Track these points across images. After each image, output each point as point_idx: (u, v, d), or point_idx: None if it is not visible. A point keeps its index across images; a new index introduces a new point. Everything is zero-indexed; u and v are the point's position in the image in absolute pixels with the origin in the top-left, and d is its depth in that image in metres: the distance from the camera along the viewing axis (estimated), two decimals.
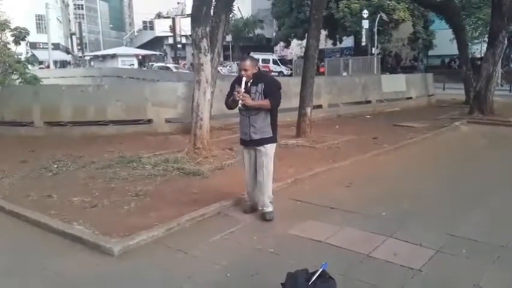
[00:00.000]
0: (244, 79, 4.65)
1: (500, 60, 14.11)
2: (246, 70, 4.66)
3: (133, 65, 47.62)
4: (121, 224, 4.67)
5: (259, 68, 4.93)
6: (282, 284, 2.99)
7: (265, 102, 4.65)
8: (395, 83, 16.07)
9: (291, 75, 33.18)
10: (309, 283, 2.91)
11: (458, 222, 4.76)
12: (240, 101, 4.57)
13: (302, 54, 32.44)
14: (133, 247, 4.16)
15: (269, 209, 4.87)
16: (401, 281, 3.53)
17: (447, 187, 6.18)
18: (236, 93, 4.60)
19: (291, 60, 40.46)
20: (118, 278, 3.66)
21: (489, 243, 4.22)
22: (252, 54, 44.73)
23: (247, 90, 4.65)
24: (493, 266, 3.79)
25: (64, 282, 3.62)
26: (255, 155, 4.85)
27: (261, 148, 4.77)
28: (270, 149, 4.81)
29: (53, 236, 4.52)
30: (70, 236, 4.41)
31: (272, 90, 4.72)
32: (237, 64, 41.73)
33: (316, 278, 2.97)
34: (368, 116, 13.58)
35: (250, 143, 4.81)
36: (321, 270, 3.05)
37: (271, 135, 4.79)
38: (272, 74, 32.35)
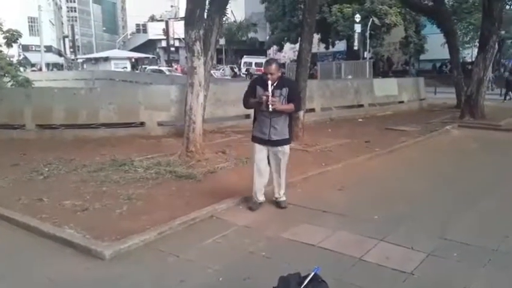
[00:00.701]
0: (270, 82, 4.81)
1: (491, 65, 14.25)
2: (271, 74, 4.83)
3: (126, 67, 47.42)
4: (113, 227, 4.64)
5: (282, 72, 5.15)
6: (274, 287, 2.98)
7: (291, 107, 4.95)
8: (387, 87, 16.16)
9: None
10: (301, 287, 2.91)
11: (449, 226, 4.78)
12: (271, 106, 4.75)
13: (295, 57, 32.56)
14: (124, 251, 4.13)
15: (283, 198, 5.34)
16: (392, 285, 3.54)
17: (439, 190, 6.22)
18: (264, 96, 4.78)
19: (284, 64, 40.50)
20: (109, 282, 3.64)
21: (480, 246, 4.24)
22: (245, 57, 44.81)
23: (272, 94, 4.81)
24: (484, 269, 3.81)
25: (54, 287, 3.58)
26: (267, 151, 5.13)
27: (279, 148, 5.08)
28: (288, 148, 5.17)
29: (43, 239, 4.48)
30: (60, 240, 4.37)
31: (295, 94, 5.10)
32: (231, 68, 41.86)
33: (308, 281, 2.96)
34: (360, 120, 13.64)
35: (268, 143, 5.06)
36: (313, 274, 3.04)
37: (288, 136, 5.11)
38: None
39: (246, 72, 39.52)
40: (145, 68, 43.48)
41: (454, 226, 4.78)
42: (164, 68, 39.91)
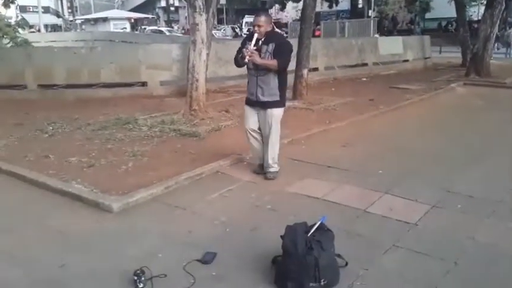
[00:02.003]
0: (255, 35, 4.43)
1: (498, 23, 13.94)
2: (259, 26, 4.43)
3: (126, 28, 46.57)
4: (119, 182, 4.68)
5: (273, 26, 4.70)
6: (281, 236, 3.03)
7: (273, 62, 4.43)
8: (392, 46, 15.91)
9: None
10: (308, 235, 2.96)
11: (454, 179, 4.81)
12: (247, 58, 4.37)
13: (297, 17, 31.81)
14: (132, 204, 4.19)
15: (272, 169, 4.87)
16: (397, 235, 3.59)
17: (443, 146, 6.23)
18: (244, 49, 4.42)
19: (286, 24, 39.70)
20: (118, 233, 3.69)
21: (484, 198, 4.28)
22: (246, 17, 43.83)
23: (258, 49, 4.43)
24: (488, 220, 3.86)
25: (63, 238, 3.64)
26: (257, 113, 4.74)
27: (268, 111, 4.64)
28: (277, 113, 4.67)
29: (51, 194, 4.54)
30: (68, 194, 4.43)
31: (282, 51, 4.48)
32: (232, 28, 41.07)
33: (315, 230, 3.02)
34: (364, 79, 13.50)
35: (257, 104, 4.68)
36: (319, 223, 3.09)
37: (279, 98, 4.63)
38: None
39: (248, 33, 38.86)
40: (145, 28, 42.73)
41: (458, 180, 4.81)
42: (164, 29, 39.19)
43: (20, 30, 15.99)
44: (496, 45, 22.12)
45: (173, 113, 7.90)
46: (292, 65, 10.04)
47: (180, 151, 5.87)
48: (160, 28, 40.40)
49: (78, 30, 50.10)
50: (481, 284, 2.94)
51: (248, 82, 4.76)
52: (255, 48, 4.41)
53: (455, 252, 3.30)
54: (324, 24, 30.89)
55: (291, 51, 4.68)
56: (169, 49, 11.08)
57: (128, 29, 46.60)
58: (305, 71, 9.50)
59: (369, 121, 7.84)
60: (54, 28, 49.31)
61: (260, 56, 4.42)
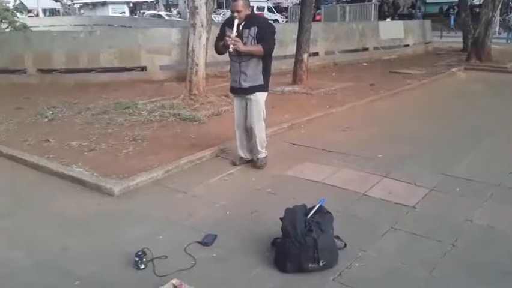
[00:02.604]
0: (236, 21, 4.24)
1: (499, 7, 13.84)
2: (238, 11, 4.23)
3: (124, 13, 46.16)
4: (120, 166, 4.70)
5: (252, 9, 4.54)
6: (281, 218, 3.06)
7: (258, 48, 4.25)
8: (392, 30, 15.80)
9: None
10: (307, 217, 2.99)
11: (452, 163, 4.83)
12: (231, 46, 4.18)
13: (298, 1, 31.47)
14: (133, 188, 4.22)
15: (261, 155, 4.72)
16: (395, 217, 3.62)
17: (443, 130, 6.23)
18: (227, 37, 4.21)
19: (286, 8, 39.34)
20: (120, 216, 3.73)
21: (483, 182, 4.31)
22: None
23: (239, 34, 4.25)
24: (486, 203, 3.89)
25: (65, 221, 3.68)
26: (245, 104, 4.57)
27: (251, 96, 4.47)
28: (261, 96, 4.51)
29: (52, 178, 4.57)
30: (69, 178, 4.46)
31: (266, 34, 4.30)
32: (231, 11, 40.80)
33: (314, 212, 3.05)
34: (365, 64, 13.44)
35: (240, 91, 4.50)
36: (319, 205, 3.12)
37: (263, 83, 4.45)
38: None
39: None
40: (144, 13, 42.38)
41: (457, 164, 4.83)
42: (163, 13, 38.88)
43: (18, 14, 15.82)
44: (497, 29, 22.03)
45: (173, 97, 7.89)
46: (292, 50, 10.06)
47: (180, 135, 5.88)
48: (159, 12, 40.06)
49: (76, 14, 49.66)
50: (478, 265, 2.98)
51: (230, 68, 4.58)
52: (236, 34, 4.23)
53: (453, 234, 3.33)
54: (324, 8, 30.56)
55: (274, 32, 4.42)
56: (169, 33, 11.00)
57: (127, 14, 46.23)
58: (305, 56, 9.46)
59: (370, 106, 7.84)
60: (53, 12, 48.88)
61: (242, 41, 4.24)
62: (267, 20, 4.49)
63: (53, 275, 2.95)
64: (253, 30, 4.28)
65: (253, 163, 4.80)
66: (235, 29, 4.24)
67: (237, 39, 4.21)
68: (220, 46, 4.41)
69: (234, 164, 4.85)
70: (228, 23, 4.41)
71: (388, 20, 24.06)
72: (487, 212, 3.74)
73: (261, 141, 4.69)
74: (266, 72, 4.46)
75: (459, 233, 3.37)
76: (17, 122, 6.58)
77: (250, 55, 4.31)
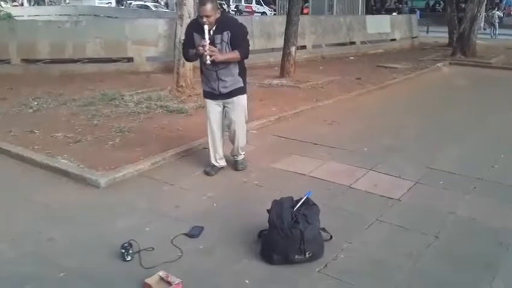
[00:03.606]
0: (206, 27, 3.82)
1: (485, 2, 14.00)
2: (207, 17, 3.81)
3: (111, 3, 45.52)
4: (106, 158, 4.67)
5: (221, 10, 4.12)
6: (267, 210, 3.08)
7: (235, 55, 4.00)
8: (379, 24, 15.88)
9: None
10: (294, 209, 3.01)
11: (436, 157, 4.91)
12: (208, 58, 3.84)
13: None
14: (119, 179, 4.20)
15: (240, 157, 4.54)
16: (380, 209, 3.67)
17: (427, 124, 6.32)
18: (201, 47, 3.85)
19: (274, 1, 39.20)
20: (106, 208, 3.71)
21: (466, 175, 4.39)
22: None
23: (211, 40, 3.88)
24: (469, 196, 3.96)
25: (50, 213, 3.65)
26: (222, 109, 4.32)
27: (234, 99, 4.22)
28: (243, 99, 4.30)
29: (37, 169, 4.52)
30: (54, 170, 4.41)
31: (240, 38, 4.01)
32: (219, 4, 40.41)
33: (300, 204, 3.07)
34: (352, 58, 13.50)
35: (220, 97, 4.22)
36: (305, 197, 3.15)
37: (242, 85, 4.22)
38: (255, 14, 31.48)
39: (236, 9, 38.28)
40: (130, 3, 41.82)
41: (441, 157, 4.91)
42: (150, 4, 38.43)
43: (2, 3, 15.56)
44: (482, 25, 22.31)
45: (160, 89, 7.85)
46: (279, 43, 10.04)
47: (167, 127, 5.85)
48: (146, 3, 39.58)
49: (62, 4, 48.82)
50: (461, 256, 3.04)
51: (205, 75, 4.19)
52: (209, 41, 3.86)
53: (437, 226, 3.39)
54: (312, 1, 30.49)
55: (247, 33, 4.16)
56: (156, 24, 10.91)
57: (114, 4, 45.59)
58: (293, 49, 9.46)
59: (356, 99, 7.90)
60: (38, 2, 47.97)
61: (216, 47, 3.91)
62: (237, 20, 4.18)
63: (38, 266, 2.93)
64: (226, 35, 3.96)
65: (233, 166, 4.55)
66: (207, 36, 3.85)
67: (214, 49, 3.87)
68: (192, 55, 4.07)
69: (207, 174, 4.42)
70: (196, 29, 4.00)
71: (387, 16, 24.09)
72: (469, 204, 3.81)
73: (242, 145, 4.49)
74: (243, 73, 4.24)
75: (442, 225, 3.43)
76: (1, 112, 6.47)
77: (227, 62, 4.04)
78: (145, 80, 9.03)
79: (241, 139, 4.44)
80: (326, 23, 14.23)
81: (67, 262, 2.95)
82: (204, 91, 4.34)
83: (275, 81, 8.91)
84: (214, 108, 4.31)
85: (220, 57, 3.92)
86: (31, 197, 3.94)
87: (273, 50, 11.61)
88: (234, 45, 4.00)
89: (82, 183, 4.16)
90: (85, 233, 3.32)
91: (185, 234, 3.26)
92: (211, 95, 4.25)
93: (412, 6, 36.24)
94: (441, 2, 28.46)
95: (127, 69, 10.13)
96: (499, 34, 22.40)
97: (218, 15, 3.93)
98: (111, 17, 25.89)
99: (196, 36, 4.00)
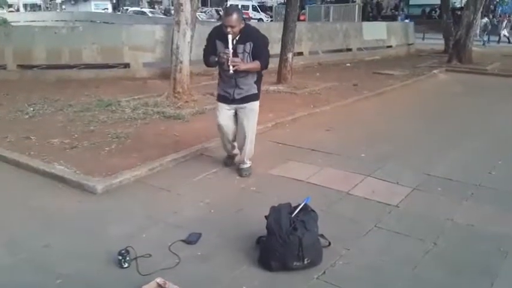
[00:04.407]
0: (230, 37, 3.97)
1: (481, 9, 14.09)
2: (232, 27, 3.96)
3: (107, 9, 45.65)
4: (103, 164, 4.65)
5: (245, 22, 4.22)
6: (265, 216, 3.07)
7: (256, 65, 4.13)
8: (376, 31, 15.97)
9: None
10: (292, 215, 3.00)
11: (434, 163, 4.91)
12: (231, 68, 3.95)
13: (283, 0, 31.51)
14: (116, 186, 4.18)
15: (246, 165, 4.58)
16: (378, 216, 3.66)
17: (424, 131, 6.33)
18: (223, 55, 3.98)
19: (271, 7, 39.38)
20: (102, 214, 3.68)
21: (463, 182, 4.39)
22: None
23: (234, 49, 4.02)
24: (466, 203, 3.96)
25: (46, 219, 3.61)
26: (234, 113, 4.43)
27: (246, 105, 4.33)
28: (256, 105, 4.41)
29: (33, 175, 4.49)
30: (51, 176, 4.38)
31: (261, 49, 4.14)
32: (216, 10, 40.61)
33: (299, 211, 3.06)
34: (349, 64, 13.55)
35: (234, 102, 4.33)
36: (303, 204, 3.13)
37: (256, 91, 4.35)
38: (252, 21, 31.56)
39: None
40: (127, 9, 41.93)
41: (439, 164, 4.91)
42: (146, 10, 38.54)
43: None
44: (478, 32, 22.46)
45: (156, 95, 7.84)
46: (276, 49, 10.05)
47: (164, 133, 5.83)
48: (143, 9, 39.70)
49: (58, 10, 48.87)
50: (459, 263, 3.03)
51: (223, 81, 4.34)
52: (232, 51, 3.99)
53: (435, 233, 3.39)
54: (309, 8, 30.70)
55: (268, 44, 4.29)
56: (153, 30, 10.92)
57: (110, 10, 45.71)
58: (290, 55, 9.49)
59: (353, 106, 7.91)
60: (34, 8, 48.03)
61: (237, 57, 4.03)
62: (259, 31, 4.30)
63: (34, 273, 2.90)
64: (249, 46, 4.08)
65: (237, 172, 4.61)
66: (230, 46, 3.99)
67: (237, 59, 3.99)
68: (214, 62, 4.18)
69: (226, 165, 4.77)
70: (219, 36, 4.10)
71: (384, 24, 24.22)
72: (467, 211, 3.81)
73: (250, 153, 4.56)
74: (259, 81, 4.36)
75: (440, 231, 3.42)
76: None
77: (247, 71, 4.16)
78: (141, 86, 9.02)
79: (249, 147, 4.49)
80: (322, 30, 14.30)
81: (64, 269, 2.91)
82: (218, 94, 4.46)
83: (272, 87, 8.92)
84: (225, 112, 4.41)
85: (242, 66, 4.03)
86: (27, 203, 3.90)
87: (270, 56, 11.62)
88: (255, 55, 4.12)
89: (79, 190, 4.13)
90: (82, 239, 3.30)
91: (183, 241, 3.23)
92: (225, 99, 4.36)
93: (408, 13, 36.51)
94: (437, 9, 28.62)
95: (123, 75, 10.12)
96: (491, 41, 22.59)
97: (242, 25, 4.05)
98: (107, 22, 25.93)
99: (218, 43, 4.12)
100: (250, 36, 4.13)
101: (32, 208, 3.80)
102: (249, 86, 4.26)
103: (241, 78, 4.18)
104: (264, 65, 4.19)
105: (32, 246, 3.20)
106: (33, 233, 3.38)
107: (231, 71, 3.99)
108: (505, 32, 22.88)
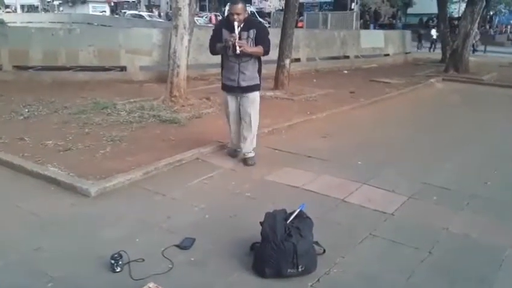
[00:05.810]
0: (236, 24, 4.44)
1: (478, 20, 14.18)
2: (238, 14, 4.43)
3: (105, 12, 45.74)
4: (97, 167, 4.61)
5: (249, 13, 4.73)
6: (260, 222, 3.04)
7: (259, 49, 4.55)
8: (373, 39, 16.06)
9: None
10: (287, 222, 2.97)
11: (430, 172, 4.90)
12: (238, 48, 4.39)
13: (281, 7, 31.62)
14: (110, 189, 4.13)
15: (251, 154, 4.96)
16: (374, 224, 3.64)
17: (421, 139, 6.33)
18: (230, 39, 4.42)
19: (269, 14, 39.52)
20: (96, 218, 3.64)
21: (459, 191, 4.38)
22: (229, 4, 43.51)
23: (239, 36, 4.46)
24: (462, 212, 3.95)
25: (38, 221, 3.57)
26: (239, 102, 4.83)
27: (249, 95, 4.75)
28: (258, 96, 4.85)
29: (26, 177, 4.44)
30: (44, 178, 4.33)
31: (263, 36, 4.59)
32: (214, 15, 40.67)
33: (294, 217, 3.04)
34: (346, 71, 13.60)
35: (237, 90, 4.73)
36: (298, 210, 3.11)
37: (258, 82, 4.79)
38: None
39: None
40: (125, 12, 41.96)
41: (435, 172, 4.91)
42: (144, 13, 38.57)
43: None
44: (475, 42, 22.64)
45: (153, 98, 7.81)
46: (274, 55, 10.06)
47: (160, 137, 5.80)
48: (141, 13, 39.73)
49: (56, 11, 48.83)
50: (454, 272, 3.01)
51: (225, 68, 4.76)
52: (238, 36, 4.43)
53: (430, 242, 3.36)
54: (307, 15, 30.84)
55: (269, 33, 4.73)
56: (150, 34, 10.92)
57: (108, 13, 45.76)
58: (287, 61, 9.49)
59: (350, 113, 7.92)
60: (31, 9, 47.97)
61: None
62: (261, 22, 4.81)
63: (25, 276, 2.85)
64: (252, 32, 4.52)
65: (243, 161, 4.98)
66: (236, 31, 4.43)
67: (243, 42, 4.43)
68: (220, 48, 4.61)
69: (230, 155, 5.15)
70: (225, 25, 4.60)
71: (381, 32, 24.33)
72: (462, 220, 3.79)
73: (253, 142, 4.96)
74: (260, 72, 4.77)
75: (436, 240, 3.40)
76: None
77: (249, 56, 4.56)
78: (138, 89, 9.00)
79: (251, 134, 4.89)
80: (320, 37, 14.36)
81: (55, 272, 2.87)
82: (223, 84, 4.87)
83: (269, 93, 8.90)
84: (231, 99, 4.85)
85: (248, 49, 4.47)
86: (19, 204, 3.85)
87: (266, 62, 11.62)
88: (258, 42, 4.55)
89: (72, 192, 4.09)
90: (74, 242, 3.25)
91: (177, 246, 3.20)
92: (230, 88, 4.77)
93: (406, 22, 36.75)
94: (435, 18, 28.82)
95: (120, 78, 10.10)
96: (488, 51, 22.75)
97: (246, 15, 4.54)
98: (105, 25, 25.93)
99: (224, 31, 4.57)
100: (254, 24, 4.63)
101: (24, 210, 3.75)
102: (252, 73, 4.65)
103: (244, 63, 4.59)
104: (266, 50, 4.61)
105: (24, 248, 3.15)
106: (25, 236, 3.33)
107: (238, 52, 4.40)
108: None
